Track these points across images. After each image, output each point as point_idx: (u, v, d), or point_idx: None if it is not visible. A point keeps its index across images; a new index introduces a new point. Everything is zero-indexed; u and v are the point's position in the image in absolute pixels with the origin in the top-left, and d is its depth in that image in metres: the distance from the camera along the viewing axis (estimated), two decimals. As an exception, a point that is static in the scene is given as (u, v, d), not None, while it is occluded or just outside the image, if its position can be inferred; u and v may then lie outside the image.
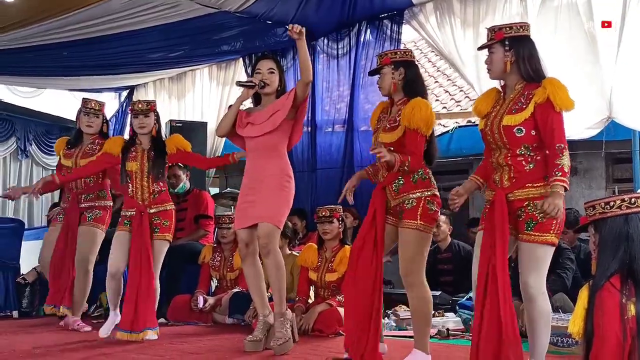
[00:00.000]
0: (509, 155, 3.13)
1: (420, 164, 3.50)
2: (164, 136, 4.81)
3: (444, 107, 8.91)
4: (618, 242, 2.50)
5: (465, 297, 5.12)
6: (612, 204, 2.55)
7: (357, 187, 3.83)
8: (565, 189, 2.97)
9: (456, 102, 8.95)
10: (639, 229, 2.50)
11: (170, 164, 4.88)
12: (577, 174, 8.74)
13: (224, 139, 6.01)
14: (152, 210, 4.57)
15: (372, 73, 3.79)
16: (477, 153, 5.12)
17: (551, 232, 3.05)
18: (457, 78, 8.85)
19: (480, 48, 3.35)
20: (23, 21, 6.08)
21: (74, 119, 5.79)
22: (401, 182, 3.50)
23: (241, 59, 7.88)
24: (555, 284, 4.63)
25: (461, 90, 9.11)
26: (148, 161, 4.55)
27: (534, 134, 3.10)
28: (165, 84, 8.91)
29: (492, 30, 3.24)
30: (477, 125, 3.45)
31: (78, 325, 4.99)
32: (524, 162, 3.11)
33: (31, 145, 9.61)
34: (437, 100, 9.10)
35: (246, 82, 4.15)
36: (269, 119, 4.01)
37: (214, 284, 5.98)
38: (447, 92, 9.32)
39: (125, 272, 4.65)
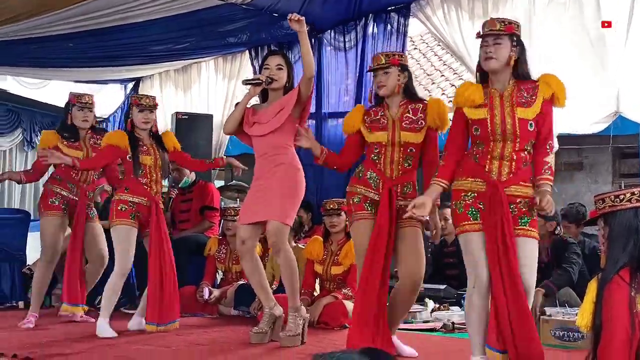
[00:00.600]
0: (517, 148, 3.11)
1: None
2: None
3: (450, 101, 8.84)
4: (627, 235, 2.50)
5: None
6: (622, 197, 2.55)
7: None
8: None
9: (462, 96, 8.89)
10: (648, 222, 2.50)
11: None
12: (583, 168, 8.73)
13: (230, 131, 6.00)
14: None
15: (377, 69, 3.71)
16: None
17: (535, 228, 3.13)
18: (464, 71, 8.81)
19: (486, 35, 3.19)
20: (28, 12, 6.05)
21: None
22: (409, 189, 3.66)
23: (247, 51, 7.85)
24: (561, 278, 4.61)
25: (468, 84, 9.05)
26: (159, 156, 4.61)
27: (536, 130, 3.12)
28: (171, 76, 8.89)
29: (502, 22, 3.19)
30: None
31: (82, 317, 5.01)
32: (525, 159, 3.13)
33: (37, 136, 9.52)
34: (443, 94, 9.07)
35: (253, 80, 4.13)
36: (275, 117, 4.00)
37: (219, 276, 5.98)
38: (453, 85, 9.29)
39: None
